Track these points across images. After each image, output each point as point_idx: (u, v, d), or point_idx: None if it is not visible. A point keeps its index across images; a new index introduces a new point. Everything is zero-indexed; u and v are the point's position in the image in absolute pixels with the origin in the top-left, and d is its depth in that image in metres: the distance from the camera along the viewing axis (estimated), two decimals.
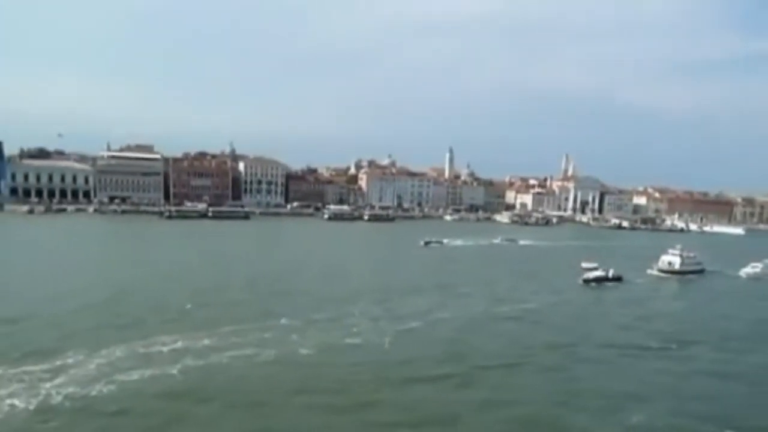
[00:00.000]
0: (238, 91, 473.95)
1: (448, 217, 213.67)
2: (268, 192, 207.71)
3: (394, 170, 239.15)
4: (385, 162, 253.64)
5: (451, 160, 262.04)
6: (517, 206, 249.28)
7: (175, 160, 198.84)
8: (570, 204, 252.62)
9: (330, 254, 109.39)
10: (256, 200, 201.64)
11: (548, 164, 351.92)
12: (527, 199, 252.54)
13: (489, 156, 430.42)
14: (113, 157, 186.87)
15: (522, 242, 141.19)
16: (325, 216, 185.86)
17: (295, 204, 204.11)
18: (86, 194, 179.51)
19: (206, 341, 46.45)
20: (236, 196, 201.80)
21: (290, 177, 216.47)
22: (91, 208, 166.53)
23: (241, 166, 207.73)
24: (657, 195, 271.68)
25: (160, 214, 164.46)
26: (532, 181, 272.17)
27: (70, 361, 41.05)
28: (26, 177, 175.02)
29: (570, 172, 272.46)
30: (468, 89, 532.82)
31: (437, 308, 63.95)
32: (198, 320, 52.37)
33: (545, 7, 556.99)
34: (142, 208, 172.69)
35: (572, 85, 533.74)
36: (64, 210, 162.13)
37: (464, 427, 35.55)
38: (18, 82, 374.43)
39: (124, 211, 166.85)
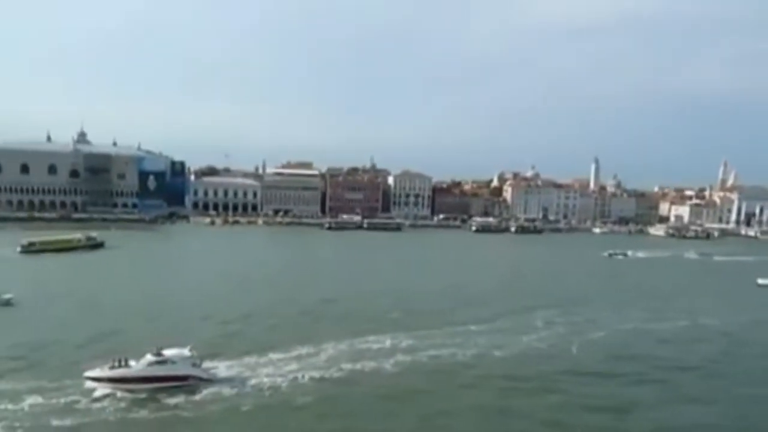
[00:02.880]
0: (377, 104, 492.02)
1: (596, 230, 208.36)
2: (416, 204, 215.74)
3: (539, 182, 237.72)
4: (529, 174, 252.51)
5: (597, 170, 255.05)
6: (672, 218, 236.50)
7: (332, 175, 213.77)
8: (733, 216, 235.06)
9: (501, 264, 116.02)
10: (404, 212, 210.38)
11: (701, 173, 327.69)
12: (683, 211, 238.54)
13: (634, 165, 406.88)
14: (277, 173, 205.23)
15: (717, 258, 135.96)
16: (473, 228, 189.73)
17: (441, 216, 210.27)
18: (254, 207, 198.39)
19: (409, 341, 52.70)
20: (385, 209, 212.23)
21: (436, 190, 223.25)
22: (260, 220, 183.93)
23: (390, 179, 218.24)
24: None
25: (321, 225, 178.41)
26: (688, 192, 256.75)
27: (303, 352, 48.89)
28: (205, 192, 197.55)
29: (730, 182, 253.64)
30: (611, 95, 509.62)
31: (649, 318, 67.18)
32: (396, 323, 58.91)
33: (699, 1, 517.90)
34: (304, 220, 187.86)
35: (728, 87, 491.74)
36: (237, 222, 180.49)
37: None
38: (184, 107, 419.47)
39: (288, 223, 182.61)
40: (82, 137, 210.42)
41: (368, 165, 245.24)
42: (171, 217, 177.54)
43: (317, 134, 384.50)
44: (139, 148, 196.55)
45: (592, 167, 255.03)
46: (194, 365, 42.00)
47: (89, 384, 39.61)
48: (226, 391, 40.74)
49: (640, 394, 43.48)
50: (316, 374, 44.39)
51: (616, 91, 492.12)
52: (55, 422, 34.92)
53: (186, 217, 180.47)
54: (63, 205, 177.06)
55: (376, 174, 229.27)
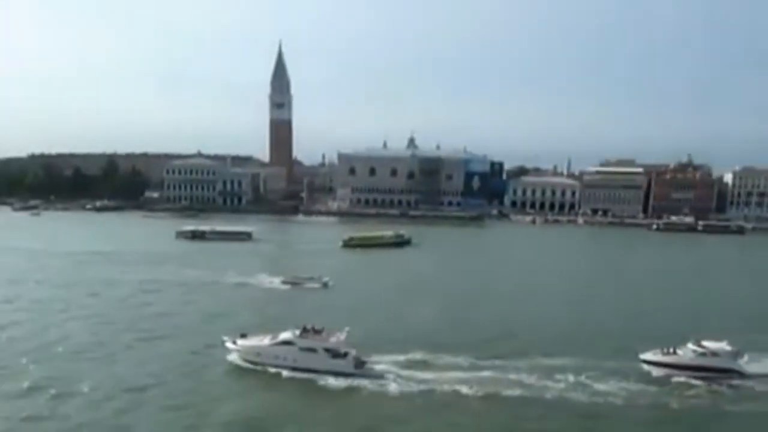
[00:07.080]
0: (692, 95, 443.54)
1: None
2: (759, 205, 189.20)
3: None
4: None
5: None
6: None
7: (658, 173, 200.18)
8: None
9: None
10: (742, 213, 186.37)
11: None
12: None
13: None
14: (598, 172, 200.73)
15: None
16: None
17: None
18: (572, 206, 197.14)
19: None
20: (719, 209, 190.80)
21: None
22: (580, 219, 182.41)
23: (728, 177, 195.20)
24: None
25: (648, 226, 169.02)
26: None
27: None
28: (523, 191, 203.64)
29: None
30: None
31: None
32: None
33: None
34: (626, 220, 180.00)
35: None
36: (557, 220, 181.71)
37: None
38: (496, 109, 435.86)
39: (609, 223, 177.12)
40: (411, 142, 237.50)
41: (683, 161, 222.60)
42: (493, 215, 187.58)
43: (616, 131, 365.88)
44: (465, 151, 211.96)
45: None
46: (735, 359, 43.81)
47: (644, 366, 44.76)
48: None
49: None
50: None
51: None
52: (614, 399, 40.27)
53: (506, 216, 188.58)
54: (400, 203, 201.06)
55: (711, 172, 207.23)
